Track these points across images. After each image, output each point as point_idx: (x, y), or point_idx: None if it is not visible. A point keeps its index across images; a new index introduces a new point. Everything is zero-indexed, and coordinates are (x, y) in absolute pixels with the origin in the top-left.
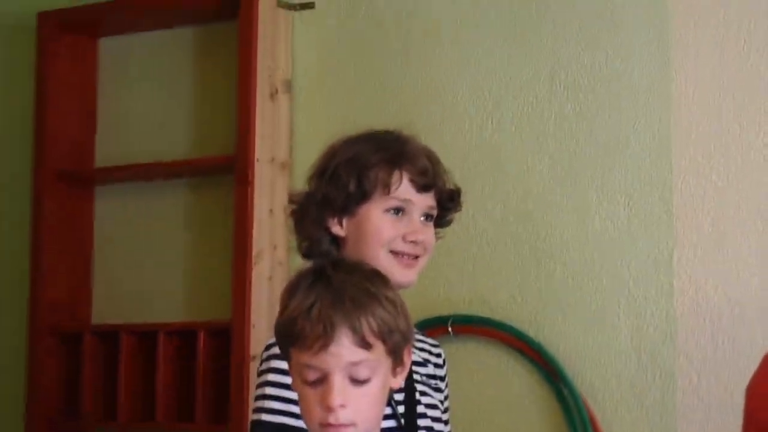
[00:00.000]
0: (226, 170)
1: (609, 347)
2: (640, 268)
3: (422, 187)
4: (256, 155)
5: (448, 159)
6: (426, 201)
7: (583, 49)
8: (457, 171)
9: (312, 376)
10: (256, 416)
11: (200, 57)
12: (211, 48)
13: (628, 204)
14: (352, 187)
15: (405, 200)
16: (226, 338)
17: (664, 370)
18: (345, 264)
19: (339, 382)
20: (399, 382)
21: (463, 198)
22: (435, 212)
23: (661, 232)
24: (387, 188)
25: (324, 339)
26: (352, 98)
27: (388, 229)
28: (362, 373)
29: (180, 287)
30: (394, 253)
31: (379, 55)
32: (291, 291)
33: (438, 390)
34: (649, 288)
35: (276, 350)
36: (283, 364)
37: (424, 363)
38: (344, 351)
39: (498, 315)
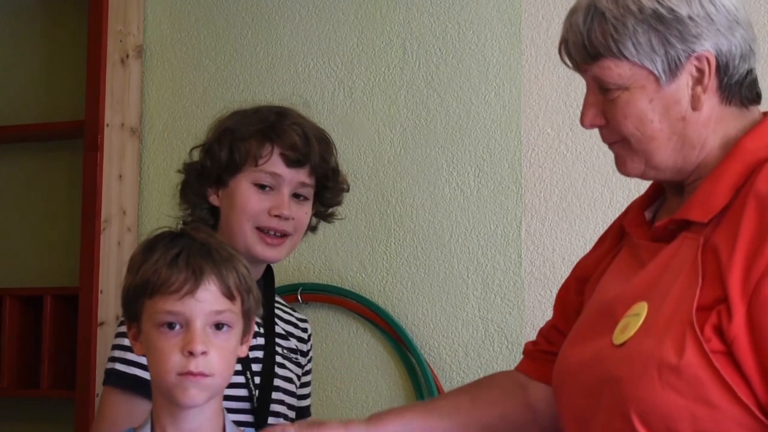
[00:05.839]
0: (76, 135)
1: (456, 317)
2: (488, 239)
3: (293, 162)
4: (106, 120)
5: None
6: (297, 177)
7: (436, 20)
8: None
9: (173, 323)
10: (110, 365)
11: (50, 20)
12: (62, 11)
13: (478, 174)
14: (224, 158)
15: (273, 174)
16: (74, 304)
17: (511, 341)
18: (202, 227)
19: (202, 330)
20: (244, 350)
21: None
22: (309, 190)
23: (510, 203)
24: (255, 161)
25: (192, 284)
26: (204, 66)
27: (253, 202)
28: (224, 323)
29: (28, 252)
30: (260, 229)
31: (231, 23)
32: (148, 249)
33: (298, 364)
34: (497, 258)
35: None
36: None
37: (286, 336)
38: (210, 297)
39: (347, 284)
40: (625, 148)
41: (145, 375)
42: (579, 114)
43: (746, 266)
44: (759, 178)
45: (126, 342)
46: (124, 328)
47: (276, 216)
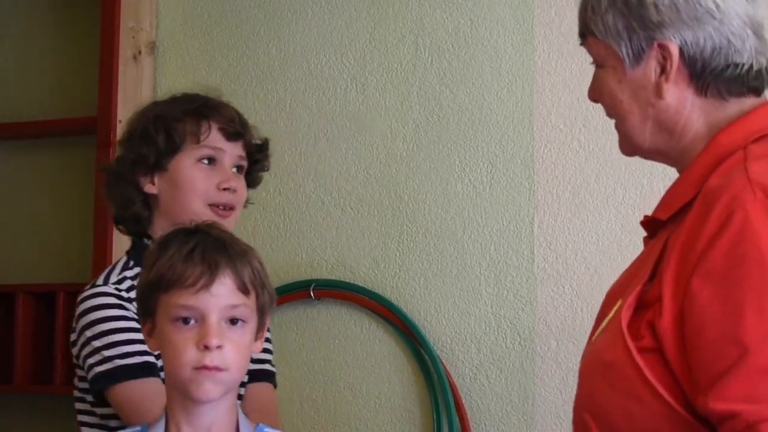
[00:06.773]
0: (89, 131)
1: (469, 313)
2: (501, 235)
3: (232, 135)
4: (119, 117)
5: (312, 122)
6: (236, 150)
7: (448, 16)
8: (321, 135)
9: (188, 318)
10: (108, 365)
11: (63, 16)
12: (74, 7)
13: (491, 170)
14: (161, 141)
15: (216, 148)
16: None
17: (524, 336)
18: (215, 225)
19: (217, 324)
20: (258, 347)
21: (273, 154)
22: (245, 164)
23: (522, 199)
24: (196, 137)
25: (207, 278)
26: (217, 62)
27: (201, 179)
28: (238, 318)
29: (41, 248)
30: (212, 206)
31: (243, 19)
32: (163, 245)
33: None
34: (509, 254)
35: (92, 302)
36: (110, 311)
37: None
38: (225, 291)
39: (360, 280)
40: (616, 127)
41: (154, 360)
42: (591, 110)
43: (680, 262)
44: (714, 172)
45: (111, 339)
46: (98, 328)
47: (225, 189)
